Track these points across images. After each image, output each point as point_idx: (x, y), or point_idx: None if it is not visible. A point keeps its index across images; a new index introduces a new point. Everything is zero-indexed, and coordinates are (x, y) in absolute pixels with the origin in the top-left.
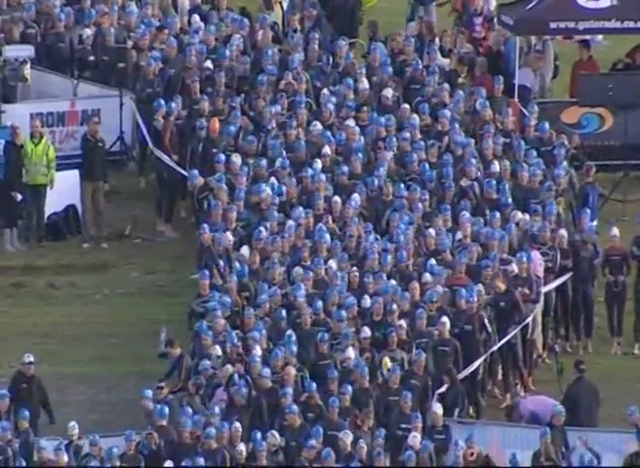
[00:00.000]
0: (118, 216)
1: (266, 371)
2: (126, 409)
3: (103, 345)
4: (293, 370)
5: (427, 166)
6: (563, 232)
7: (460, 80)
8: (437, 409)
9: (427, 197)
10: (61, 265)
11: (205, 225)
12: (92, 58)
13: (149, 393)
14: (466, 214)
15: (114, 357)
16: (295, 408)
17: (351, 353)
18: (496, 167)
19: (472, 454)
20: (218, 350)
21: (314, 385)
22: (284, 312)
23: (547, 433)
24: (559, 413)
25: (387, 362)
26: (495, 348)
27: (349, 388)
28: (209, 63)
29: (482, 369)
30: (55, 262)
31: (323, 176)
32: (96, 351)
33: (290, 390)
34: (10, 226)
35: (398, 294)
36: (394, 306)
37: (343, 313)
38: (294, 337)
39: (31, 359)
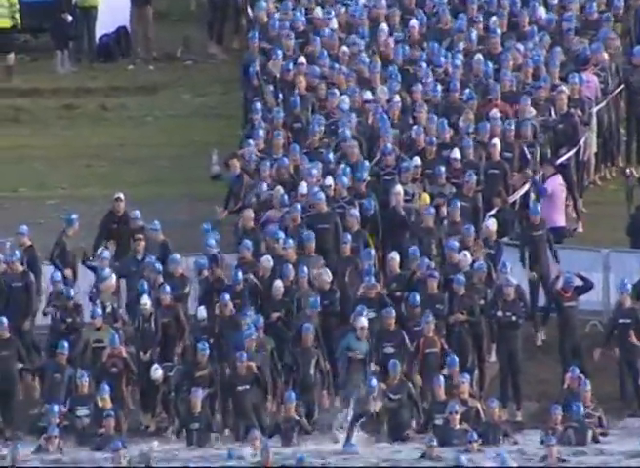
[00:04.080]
0: (169, 38)
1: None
2: (176, 232)
3: (154, 167)
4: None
5: None
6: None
7: None
8: (490, 224)
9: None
10: (113, 87)
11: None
12: None
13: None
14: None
15: (165, 179)
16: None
17: (400, 188)
18: None
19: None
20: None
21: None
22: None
23: None
24: None
25: (426, 197)
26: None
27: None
28: None
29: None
30: (106, 84)
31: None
32: (147, 173)
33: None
34: (61, 48)
35: (439, 126)
36: (434, 139)
37: (390, 146)
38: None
39: (121, 195)
